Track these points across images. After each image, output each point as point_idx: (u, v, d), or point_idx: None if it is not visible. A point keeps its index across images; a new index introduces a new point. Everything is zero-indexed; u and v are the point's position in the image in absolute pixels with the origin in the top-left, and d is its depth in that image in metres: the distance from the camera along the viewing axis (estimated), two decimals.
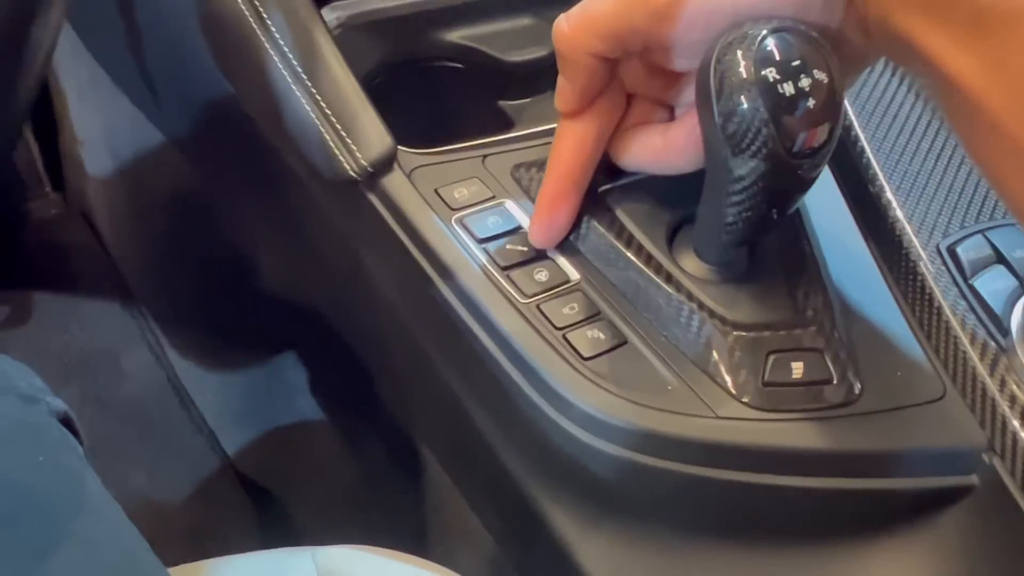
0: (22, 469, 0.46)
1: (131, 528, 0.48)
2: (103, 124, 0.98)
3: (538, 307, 0.47)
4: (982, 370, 0.47)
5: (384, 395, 0.75)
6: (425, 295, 0.50)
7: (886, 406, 0.46)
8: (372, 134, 0.51)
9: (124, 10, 0.69)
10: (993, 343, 0.48)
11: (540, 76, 0.59)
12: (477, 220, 0.49)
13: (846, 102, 0.54)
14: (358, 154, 0.50)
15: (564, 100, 0.46)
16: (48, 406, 0.50)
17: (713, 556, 0.48)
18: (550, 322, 0.46)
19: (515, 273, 0.48)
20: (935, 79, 0.37)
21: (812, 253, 0.49)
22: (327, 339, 0.76)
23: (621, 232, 0.48)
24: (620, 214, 0.49)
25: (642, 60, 0.46)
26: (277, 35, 0.52)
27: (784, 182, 0.41)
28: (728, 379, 0.45)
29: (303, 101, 0.51)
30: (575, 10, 0.44)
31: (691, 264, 0.47)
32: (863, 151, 0.54)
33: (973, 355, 0.48)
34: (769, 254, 0.48)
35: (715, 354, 0.46)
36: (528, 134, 0.54)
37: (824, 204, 0.52)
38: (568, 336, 0.46)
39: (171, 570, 0.49)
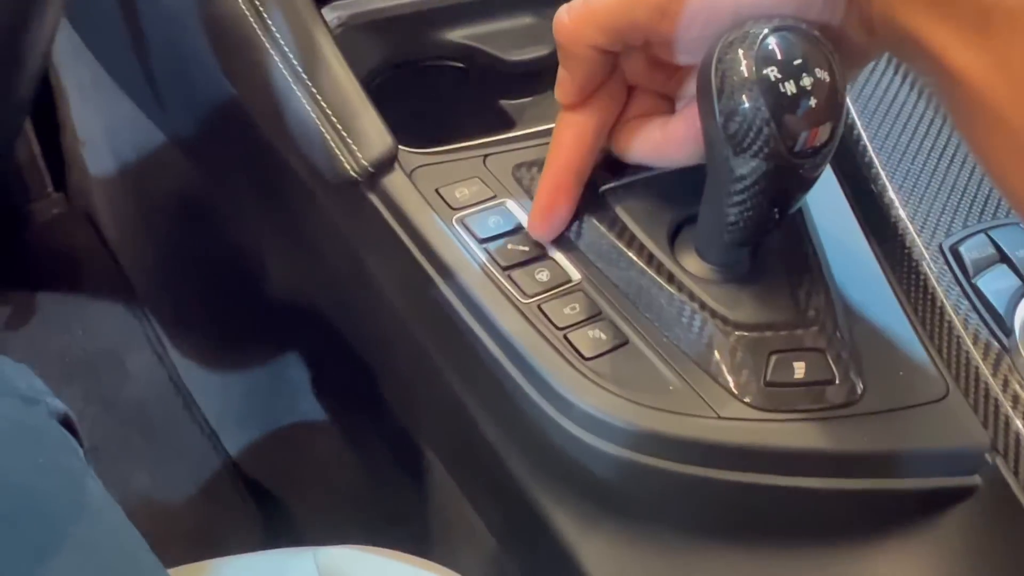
0: (22, 471, 0.46)
1: (131, 529, 0.48)
2: (105, 124, 0.98)
3: (539, 307, 0.47)
4: (985, 370, 0.47)
5: (386, 395, 0.75)
6: (426, 295, 0.50)
7: (888, 406, 0.46)
8: (373, 134, 0.51)
9: (125, 10, 0.69)
10: (996, 343, 0.47)
11: (541, 75, 0.59)
12: (478, 220, 0.49)
13: (848, 101, 0.54)
14: (359, 154, 0.50)
15: (564, 92, 0.46)
16: (48, 407, 0.50)
17: (715, 556, 0.48)
18: (551, 322, 0.46)
19: (516, 273, 0.48)
20: (939, 75, 0.37)
21: (814, 253, 0.49)
22: (329, 340, 0.76)
23: (623, 232, 0.48)
24: (621, 213, 0.49)
25: (643, 53, 0.46)
26: (278, 35, 0.52)
27: (786, 181, 0.41)
28: (730, 379, 0.45)
29: (304, 101, 0.51)
30: (577, 2, 0.44)
31: (693, 264, 0.47)
32: (865, 150, 0.54)
33: (976, 355, 0.47)
34: (771, 254, 0.48)
35: (717, 354, 0.45)
36: (529, 134, 0.54)
37: (826, 203, 0.52)
38: (569, 336, 0.46)
39: (172, 571, 0.49)
